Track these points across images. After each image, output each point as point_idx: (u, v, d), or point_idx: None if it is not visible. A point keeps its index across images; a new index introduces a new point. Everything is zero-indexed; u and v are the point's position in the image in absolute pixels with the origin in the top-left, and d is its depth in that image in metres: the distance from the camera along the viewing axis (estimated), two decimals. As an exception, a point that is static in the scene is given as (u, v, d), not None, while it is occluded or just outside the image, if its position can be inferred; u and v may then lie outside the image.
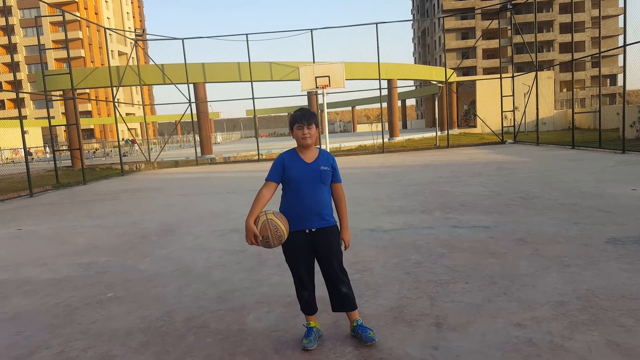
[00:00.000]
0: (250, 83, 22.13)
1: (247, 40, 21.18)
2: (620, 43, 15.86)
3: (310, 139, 3.05)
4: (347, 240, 3.17)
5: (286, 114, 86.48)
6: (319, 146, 3.24)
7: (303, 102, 35.71)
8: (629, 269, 4.14)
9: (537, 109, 20.15)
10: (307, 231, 3.06)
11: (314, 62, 20.94)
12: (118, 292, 4.45)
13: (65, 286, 4.73)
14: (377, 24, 21.29)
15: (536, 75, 20.22)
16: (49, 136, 18.29)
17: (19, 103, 13.19)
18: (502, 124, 23.00)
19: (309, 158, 3.08)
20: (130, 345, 3.31)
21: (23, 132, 13.13)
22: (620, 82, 66.52)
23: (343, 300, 3.14)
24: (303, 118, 3.03)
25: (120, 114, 20.84)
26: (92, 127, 72.94)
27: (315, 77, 18.81)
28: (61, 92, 22.79)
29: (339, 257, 3.12)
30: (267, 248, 3.05)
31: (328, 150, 18.34)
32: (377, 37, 21.38)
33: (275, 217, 2.98)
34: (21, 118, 13.35)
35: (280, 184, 3.11)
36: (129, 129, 22.78)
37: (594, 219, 6.04)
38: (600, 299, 3.54)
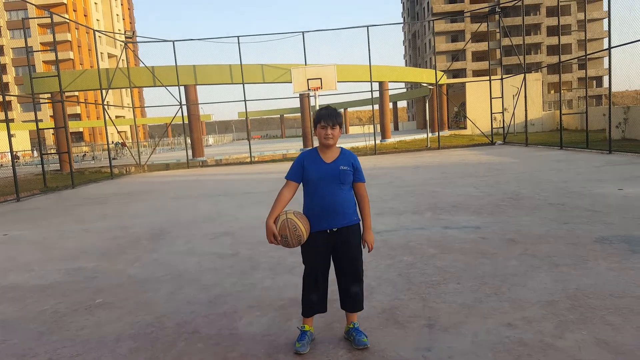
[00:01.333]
0: (242, 85, 22.08)
1: (239, 43, 21.13)
2: (606, 46, 16.13)
3: (333, 140, 3.01)
4: (370, 241, 3.12)
5: (278, 116, 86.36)
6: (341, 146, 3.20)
7: (295, 104, 35.72)
8: (616, 267, 4.18)
9: (526, 110, 20.32)
10: (328, 231, 3.03)
11: (305, 65, 20.94)
12: (107, 297, 4.41)
13: (52, 292, 4.67)
14: (368, 26, 21.37)
15: (524, 77, 20.39)
16: (37, 139, 18.11)
17: (5, 106, 13.05)
18: (491, 126, 23.15)
19: (329, 158, 3.05)
20: (119, 352, 3.27)
21: (10, 136, 12.98)
22: (606, 84, 67.29)
23: (354, 300, 3.13)
24: (328, 118, 2.99)
25: (109, 117, 20.69)
26: (81, 130, 72.31)
27: (307, 79, 18.81)
28: (49, 95, 22.57)
29: (359, 257, 3.11)
30: (287, 247, 3.04)
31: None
32: (368, 39, 21.47)
33: (295, 217, 2.96)
34: (8, 121, 13.19)
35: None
36: (118, 132, 22.63)
37: (582, 218, 6.10)
38: (589, 298, 3.57)
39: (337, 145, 3.12)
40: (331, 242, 3.05)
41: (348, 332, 3.17)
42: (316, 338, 3.23)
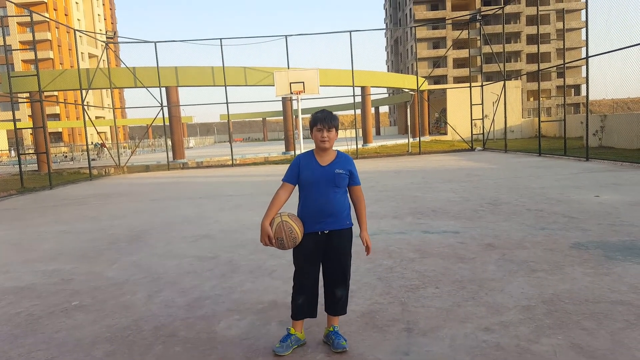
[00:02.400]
0: (224, 87, 21.98)
1: (222, 45, 21.05)
2: (583, 55, 16.48)
3: (329, 143, 3.03)
4: (367, 240, 3.13)
5: (261, 119, 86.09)
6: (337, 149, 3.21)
7: (278, 107, 35.68)
8: (592, 273, 4.27)
9: (505, 117, 20.64)
10: (320, 233, 3.05)
11: (288, 68, 20.96)
12: (84, 300, 4.34)
13: (28, 294, 4.58)
14: (350, 32, 21.49)
15: (504, 85, 20.73)
16: (15, 139, 17.76)
17: (-18, 105, 12.75)
18: (471, 132, 23.46)
19: (325, 161, 3.07)
20: (95, 355, 3.22)
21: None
22: (583, 92, 68.78)
23: (337, 303, 3.14)
24: (324, 121, 3.00)
25: (89, 117, 20.38)
26: (60, 130, 71.08)
27: (290, 83, 18.81)
28: (28, 95, 22.16)
29: (348, 261, 3.13)
30: (282, 249, 3.05)
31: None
32: (351, 44, 21.59)
33: (290, 219, 2.98)
34: (-16, 120, 12.89)
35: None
36: (98, 133, 22.30)
37: (559, 224, 6.21)
38: (565, 303, 3.63)
39: (333, 149, 3.14)
40: (322, 244, 3.07)
41: (327, 335, 3.17)
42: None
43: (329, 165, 3.05)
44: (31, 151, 33.32)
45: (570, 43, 66.89)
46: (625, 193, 8.43)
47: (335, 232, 3.07)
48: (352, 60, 21.96)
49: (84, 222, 8.56)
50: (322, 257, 3.11)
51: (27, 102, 23.25)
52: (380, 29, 28.75)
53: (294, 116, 22.80)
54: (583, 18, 69.29)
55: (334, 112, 3.13)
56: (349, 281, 3.17)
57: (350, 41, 21.50)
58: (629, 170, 11.75)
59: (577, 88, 72.20)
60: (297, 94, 18.87)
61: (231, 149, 22.67)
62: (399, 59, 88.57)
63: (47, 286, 4.81)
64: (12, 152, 44.59)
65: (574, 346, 2.97)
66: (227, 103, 21.83)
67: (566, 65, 16.23)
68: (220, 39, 20.89)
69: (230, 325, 3.59)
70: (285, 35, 21.16)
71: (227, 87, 21.97)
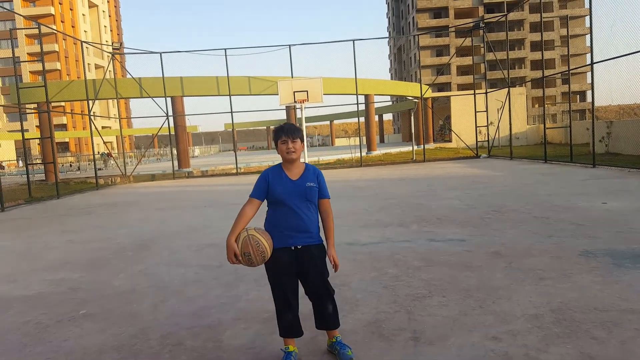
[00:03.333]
0: (228, 97, 22.10)
1: (226, 55, 21.21)
2: (588, 61, 16.54)
3: (296, 154, 2.97)
4: (335, 258, 3.00)
5: (265, 127, 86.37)
6: (304, 161, 3.16)
7: (282, 115, 35.77)
8: (600, 281, 4.23)
9: (510, 124, 20.60)
10: (293, 248, 2.99)
11: (292, 77, 21.05)
12: (91, 309, 4.35)
13: (36, 303, 4.60)
14: (354, 40, 21.60)
15: (509, 92, 20.71)
16: (23, 149, 17.89)
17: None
18: (476, 139, 23.41)
19: (295, 174, 3.01)
20: (103, 364, 3.22)
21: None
22: (589, 99, 68.43)
23: (328, 318, 3.08)
24: (287, 132, 2.96)
25: (96, 127, 20.53)
26: (67, 140, 71.58)
27: (294, 92, 18.88)
28: (35, 105, 22.37)
29: (325, 275, 3.05)
30: (250, 266, 2.95)
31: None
32: (354, 53, 21.69)
33: (257, 233, 2.90)
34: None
35: (265, 200, 3.04)
36: (104, 143, 22.45)
37: (566, 232, 6.17)
38: (573, 312, 3.60)
39: (301, 161, 3.09)
40: (294, 259, 2.99)
41: (331, 345, 3.14)
42: (300, 351, 3.18)
43: (300, 179, 2.99)
44: (39, 161, 33.58)
45: (574, 49, 66.81)
46: (633, 200, 8.38)
47: (308, 247, 3.00)
48: (355, 69, 22.08)
49: (90, 232, 8.59)
50: (297, 273, 3.02)
51: (35, 112, 23.45)
52: (384, 37, 28.95)
53: (298, 124, 22.87)
54: (587, 24, 69.35)
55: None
56: (333, 293, 3.11)
57: (354, 50, 21.61)
58: (637, 176, 11.67)
59: (582, 94, 72.02)
60: (300, 102, 18.94)
61: (235, 157, 22.74)
62: (402, 67, 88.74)
63: (55, 295, 4.83)
64: (20, 162, 44.96)
65: (583, 355, 2.94)
66: (231, 112, 21.93)
67: (571, 71, 16.22)
68: (225, 49, 21.06)
69: (236, 334, 3.59)
70: (289, 45, 21.31)
71: (232, 97, 22.09)
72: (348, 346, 3.09)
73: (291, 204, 2.95)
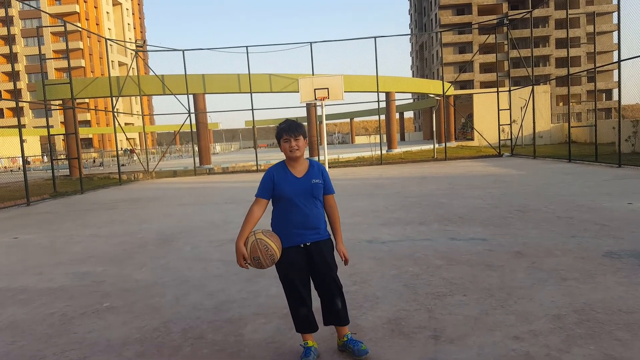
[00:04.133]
0: (249, 94, 22.23)
1: (247, 53, 21.35)
2: (615, 59, 16.08)
3: (299, 151, 2.96)
4: (344, 253, 3.06)
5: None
6: (308, 157, 3.15)
7: (302, 113, 35.85)
8: (625, 282, 4.15)
9: (534, 122, 20.26)
10: (302, 245, 2.99)
11: (313, 75, 21.08)
12: (114, 302, 4.44)
13: (61, 295, 4.71)
14: (375, 37, 21.53)
15: (532, 90, 20.37)
16: (47, 145, 18.29)
17: (18, 112, 13.20)
18: (499, 137, 23.10)
19: (300, 172, 3.00)
20: (126, 355, 3.29)
21: (22, 141, 13.14)
22: (615, 97, 67.03)
23: (337, 314, 3.07)
24: (289, 130, 2.95)
25: (119, 124, 20.87)
26: (90, 136, 72.93)
27: (315, 89, 18.87)
28: (60, 102, 22.85)
29: (334, 271, 3.05)
30: (261, 269, 2.96)
31: (327, 162, 18.38)
32: (376, 50, 21.62)
33: (265, 236, 2.89)
34: (20, 127, 13.36)
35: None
36: (127, 139, 22.80)
37: (590, 232, 6.06)
38: (597, 313, 3.54)
39: (306, 157, 3.09)
40: (304, 256, 3.00)
41: (343, 344, 3.11)
42: (319, 348, 3.19)
43: (305, 176, 2.98)
44: (63, 157, 34.30)
45: (601, 47, 65.37)
46: (660, 200, 8.17)
47: (317, 243, 3.00)
48: (376, 66, 21.99)
49: (113, 226, 8.75)
50: (308, 269, 3.03)
51: (60, 109, 23.95)
52: (406, 35, 28.81)
53: (318, 122, 22.86)
54: (614, 21, 67.80)
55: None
56: (342, 289, 3.10)
57: (375, 47, 21.53)
58: (664, 177, 11.38)
59: (608, 92, 70.49)
60: (321, 100, 18.94)
61: (256, 154, 22.89)
62: (424, 64, 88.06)
63: (79, 288, 4.94)
64: (45, 157, 46.00)
65: (606, 357, 2.89)
66: (252, 109, 22.07)
67: (597, 69, 15.88)
68: (247, 46, 21.20)
69: (256, 328, 3.63)
70: (310, 42, 21.34)
71: (253, 94, 22.21)
72: (361, 342, 3.08)
73: (298, 201, 2.95)
